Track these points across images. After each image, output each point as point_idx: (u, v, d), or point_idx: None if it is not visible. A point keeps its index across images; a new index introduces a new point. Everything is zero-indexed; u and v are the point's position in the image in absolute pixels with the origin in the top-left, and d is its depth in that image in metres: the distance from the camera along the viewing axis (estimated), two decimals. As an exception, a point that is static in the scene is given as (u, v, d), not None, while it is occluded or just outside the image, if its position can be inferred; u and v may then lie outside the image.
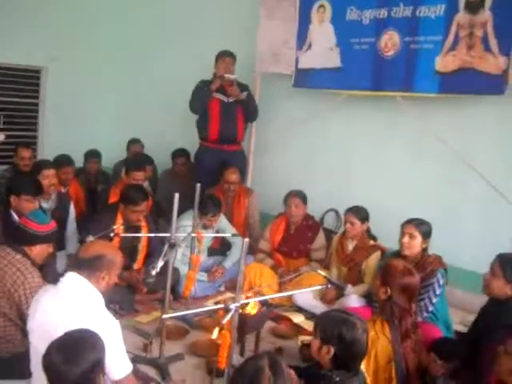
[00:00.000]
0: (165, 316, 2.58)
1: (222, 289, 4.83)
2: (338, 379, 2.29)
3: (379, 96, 4.97)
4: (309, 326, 4.21)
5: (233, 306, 2.65)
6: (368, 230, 4.51)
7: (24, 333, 3.05)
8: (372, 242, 4.46)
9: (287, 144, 5.84)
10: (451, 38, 4.45)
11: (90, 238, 3.77)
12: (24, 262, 3.05)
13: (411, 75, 4.71)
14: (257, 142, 5.97)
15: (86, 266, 2.52)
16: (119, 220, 4.33)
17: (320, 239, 4.80)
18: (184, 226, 4.53)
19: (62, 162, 5.02)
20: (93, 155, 5.91)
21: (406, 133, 5.02)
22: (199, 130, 5.68)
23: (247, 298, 3.52)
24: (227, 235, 4.49)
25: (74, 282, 2.50)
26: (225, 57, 5.47)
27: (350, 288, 2.89)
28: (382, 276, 2.91)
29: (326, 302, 4.42)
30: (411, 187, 5.01)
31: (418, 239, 3.87)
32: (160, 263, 3.10)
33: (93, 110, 7.12)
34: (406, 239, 3.87)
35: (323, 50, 5.24)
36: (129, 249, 4.38)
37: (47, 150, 6.73)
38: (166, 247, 3.28)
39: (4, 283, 2.98)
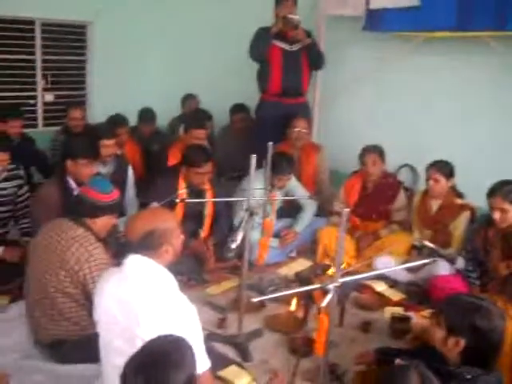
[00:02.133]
0: (255, 299, 2.23)
1: (294, 254, 4.47)
2: (469, 377, 1.90)
3: (464, 37, 4.38)
4: (392, 294, 3.86)
5: (331, 287, 2.27)
6: (454, 187, 4.03)
7: (91, 314, 2.79)
8: (459, 201, 3.99)
9: (356, 95, 5.33)
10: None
11: (155, 205, 3.47)
12: (87, 237, 2.75)
13: (502, 10, 4.09)
14: (322, 93, 5.48)
15: (140, 248, 2.14)
16: (182, 184, 3.99)
17: (401, 198, 4.36)
18: (256, 188, 4.19)
19: (117, 122, 4.68)
20: (147, 116, 5.55)
21: (492, 80, 4.42)
22: (259, 83, 5.22)
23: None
24: (302, 197, 4.06)
25: (139, 265, 2.14)
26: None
27: (460, 261, 2.48)
28: (503, 248, 2.46)
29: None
30: (498, 140, 4.46)
31: (511, 211, 3.37)
32: (240, 235, 2.73)
33: (143, 64, 6.68)
34: (497, 215, 3.30)
35: (398, -13, 4.65)
36: (194, 215, 4.07)
37: (98, 109, 6.40)
38: (245, 215, 2.91)
39: (67, 261, 2.68)
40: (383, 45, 4.97)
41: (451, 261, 2.58)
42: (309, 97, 5.35)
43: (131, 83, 6.55)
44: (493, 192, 3.39)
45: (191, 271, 3.90)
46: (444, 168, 3.94)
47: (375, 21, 4.87)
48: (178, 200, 3.54)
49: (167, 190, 3.85)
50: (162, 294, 2.08)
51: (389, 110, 5.17)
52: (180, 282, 3.52)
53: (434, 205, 4.03)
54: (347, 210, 2.18)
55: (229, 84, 6.10)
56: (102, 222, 2.85)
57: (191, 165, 3.94)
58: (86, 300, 2.72)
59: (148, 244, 2.13)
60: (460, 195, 4.05)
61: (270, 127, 5.16)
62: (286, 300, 3.41)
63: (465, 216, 3.91)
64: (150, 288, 2.08)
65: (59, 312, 2.75)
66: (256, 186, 4.30)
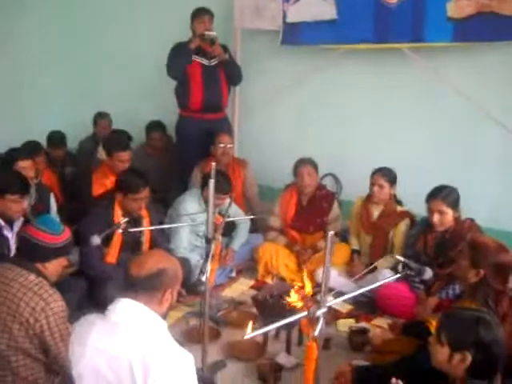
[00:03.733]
0: (247, 335, 2.10)
1: (233, 274, 4.36)
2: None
3: (383, 48, 4.55)
4: (340, 306, 3.89)
5: (320, 313, 2.21)
6: (395, 195, 4.16)
7: (48, 369, 2.52)
8: (399, 208, 4.12)
9: (276, 108, 5.34)
10: (465, -21, 4.07)
11: (96, 239, 3.22)
12: (41, 283, 2.47)
13: (420, 24, 4.32)
14: (241, 107, 5.44)
15: (144, 286, 1.97)
16: (118, 211, 3.75)
17: (335, 209, 4.41)
18: (190, 213, 4.06)
19: (33, 150, 4.29)
20: (56, 139, 5.18)
21: (413, 86, 4.63)
22: (179, 99, 5.08)
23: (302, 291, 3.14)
24: (247, 217, 3.96)
25: (131, 314, 1.95)
26: (202, 15, 4.85)
27: (429, 272, 2.53)
28: (471, 256, 2.55)
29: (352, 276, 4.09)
30: (422, 144, 4.68)
31: (449, 213, 3.57)
32: (208, 265, 2.59)
33: (45, 88, 6.23)
34: (435, 217, 3.55)
35: (315, 1, 4.72)
36: (131, 244, 3.83)
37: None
38: (206, 245, 2.77)
39: (20, 313, 2.39)
40: (302, 57, 5.02)
41: (420, 273, 2.64)
42: (228, 111, 5.29)
43: (33, 108, 6.10)
44: (432, 194, 3.56)
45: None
46: (389, 175, 4.05)
47: (293, 34, 4.92)
48: (120, 230, 3.32)
49: (103, 220, 3.61)
50: (158, 347, 1.89)
51: (310, 122, 5.23)
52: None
53: (376, 211, 4.13)
54: (332, 233, 2.13)
55: (141, 102, 5.89)
56: (54, 266, 2.58)
57: (128, 191, 3.71)
58: (43, 354, 2.45)
59: (154, 284, 1.97)
60: (399, 202, 4.19)
61: (192, 144, 5.06)
62: (241, 325, 3.33)
63: (405, 223, 4.04)
64: (145, 342, 1.88)
65: (12, 371, 2.45)
66: (193, 207, 4.21)
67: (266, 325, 3.24)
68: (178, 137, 5.25)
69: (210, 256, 2.60)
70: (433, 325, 2.55)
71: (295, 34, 4.91)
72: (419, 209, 4.08)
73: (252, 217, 3.86)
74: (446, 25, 4.19)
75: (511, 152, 4.40)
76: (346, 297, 2.36)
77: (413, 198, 4.18)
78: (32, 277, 2.47)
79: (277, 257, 4.23)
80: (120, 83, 5.99)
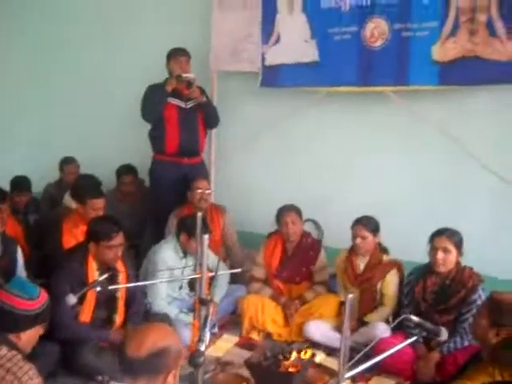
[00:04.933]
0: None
1: (216, 330, 4.05)
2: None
3: (366, 92, 4.45)
4: (333, 364, 3.63)
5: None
6: (380, 243, 3.99)
7: None
8: (386, 258, 3.95)
9: (254, 151, 5.14)
10: (450, 23, 4.02)
11: (72, 299, 2.89)
12: (14, 358, 2.15)
13: (404, 67, 4.23)
14: (217, 151, 5.23)
15: (144, 369, 1.71)
16: (92, 264, 3.44)
17: (321, 258, 4.20)
18: (169, 267, 3.81)
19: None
20: (21, 184, 4.85)
21: (398, 127, 4.53)
22: (154, 142, 4.85)
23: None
24: (237, 271, 3.68)
25: None
26: (179, 56, 4.69)
27: (445, 332, 2.33)
28: (491, 315, 2.36)
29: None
30: (408, 187, 4.55)
31: (453, 253, 3.46)
32: (207, 332, 2.32)
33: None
34: (440, 255, 3.45)
35: (296, 43, 4.60)
36: (106, 300, 3.51)
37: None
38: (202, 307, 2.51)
39: (-10, 395, 2.06)
40: (282, 99, 4.88)
41: (436, 334, 2.43)
42: (204, 156, 5.08)
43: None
44: (438, 232, 3.47)
45: (111, 368, 3.32)
46: (370, 224, 3.87)
47: (273, 76, 4.78)
48: (98, 288, 3.01)
49: (77, 276, 3.31)
50: None
51: (290, 165, 5.06)
52: (99, 384, 3.05)
53: (361, 263, 3.93)
54: (351, 295, 1.92)
55: (110, 145, 5.63)
56: (29, 336, 2.27)
57: (101, 239, 3.41)
58: None
59: (156, 365, 1.72)
60: (385, 250, 4.02)
61: (167, 189, 4.83)
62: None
63: (393, 273, 3.87)
64: None
65: None
66: (171, 256, 3.95)
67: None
68: (152, 182, 4.99)
69: (209, 321, 2.33)
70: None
71: (275, 76, 4.77)
72: (405, 253, 4.04)
73: (240, 270, 3.60)
74: (431, 68, 4.12)
75: (498, 195, 4.31)
76: (365, 365, 2.11)
77: (399, 239, 4.09)
78: (3, 351, 2.15)
79: (262, 310, 3.96)
80: (89, 125, 5.73)
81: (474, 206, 4.40)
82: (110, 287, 3.09)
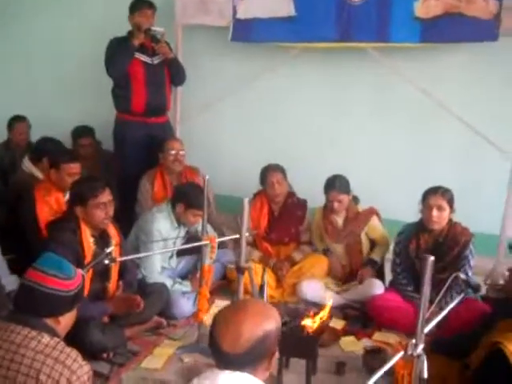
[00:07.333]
0: None
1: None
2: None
3: (344, 48, 4.36)
4: (334, 322, 3.62)
5: (419, 352, 1.93)
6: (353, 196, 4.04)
7: None
8: (360, 208, 4.04)
9: (221, 109, 4.94)
10: (433, -21, 4.00)
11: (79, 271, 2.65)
12: (58, 346, 1.93)
13: (385, 23, 4.17)
14: (183, 110, 4.97)
15: (246, 363, 1.58)
16: (86, 231, 3.17)
17: (307, 217, 4.16)
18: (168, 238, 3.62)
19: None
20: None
21: (373, 84, 4.51)
22: (117, 101, 4.55)
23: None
24: (234, 237, 3.53)
25: None
26: (145, 8, 4.36)
27: (483, 287, 2.39)
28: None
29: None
30: (387, 146, 4.59)
31: (447, 210, 3.52)
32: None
33: None
34: (435, 213, 3.49)
35: (270, -4, 4.41)
36: (100, 272, 3.26)
37: None
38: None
39: (40, 388, 1.84)
40: (255, 56, 4.69)
41: (477, 289, 2.47)
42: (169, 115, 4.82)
43: None
44: (432, 190, 3.51)
45: (115, 343, 3.13)
46: (343, 186, 3.89)
47: (245, 31, 4.55)
48: (106, 261, 2.78)
49: (70, 246, 3.05)
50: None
51: (260, 123, 4.93)
52: (105, 362, 2.86)
53: (339, 218, 3.99)
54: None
55: (63, 105, 5.19)
56: (68, 319, 2.04)
57: (87, 198, 3.15)
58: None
59: (257, 355, 1.57)
60: (356, 200, 4.07)
61: (134, 151, 4.58)
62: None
63: (374, 219, 3.98)
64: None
65: None
66: (165, 226, 3.74)
67: (282, 356, 2.93)
68: (116, 143, 4.67)
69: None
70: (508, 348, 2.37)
71: (247, 31, 4.54)
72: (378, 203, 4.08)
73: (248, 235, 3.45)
74: (413, 25, 4.09)
75: (467, 146, 4.43)
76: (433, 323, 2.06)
77: (376, 198, 4.14)
78: (46, 339, 1.92)
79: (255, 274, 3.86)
80: (40, 83, 5.24)
81: (443, 157, 4.52)
82: (120, 259, 2.87)
